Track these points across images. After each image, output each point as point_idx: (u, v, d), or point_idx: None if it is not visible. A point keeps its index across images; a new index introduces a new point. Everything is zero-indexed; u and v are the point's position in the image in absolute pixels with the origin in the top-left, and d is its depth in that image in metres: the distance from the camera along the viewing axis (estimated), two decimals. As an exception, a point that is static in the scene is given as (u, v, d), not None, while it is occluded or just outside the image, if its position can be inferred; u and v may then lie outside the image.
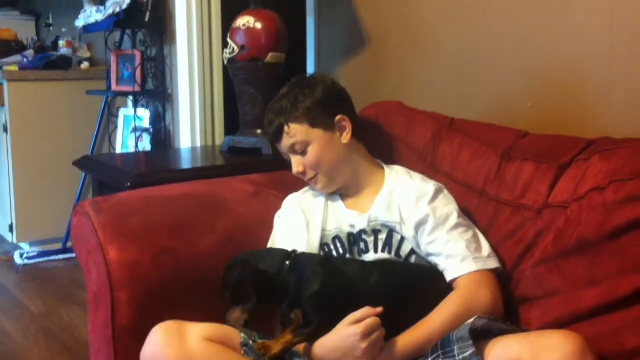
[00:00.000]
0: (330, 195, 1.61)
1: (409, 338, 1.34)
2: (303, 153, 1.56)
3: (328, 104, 1.57)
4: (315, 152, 1.55)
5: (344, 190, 1.60)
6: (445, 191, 1.54)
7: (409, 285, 1.42)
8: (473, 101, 2.06)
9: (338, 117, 1.57)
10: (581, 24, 1.75)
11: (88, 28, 3.30)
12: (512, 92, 1.95)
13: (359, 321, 1.29)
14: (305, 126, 1.54)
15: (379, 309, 1.30)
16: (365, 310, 1.30)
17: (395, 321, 1.33)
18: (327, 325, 1.33)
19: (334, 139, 1.56)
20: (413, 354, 1.33)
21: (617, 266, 1.26)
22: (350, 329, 1.29)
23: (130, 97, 3.42)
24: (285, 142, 1.56)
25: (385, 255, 1.51)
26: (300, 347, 1.37)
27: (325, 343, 1.33)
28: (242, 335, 1.37)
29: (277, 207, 1.67)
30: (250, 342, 1.35)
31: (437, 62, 2.18)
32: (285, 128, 1.54)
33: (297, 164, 1.57)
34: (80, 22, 3.33)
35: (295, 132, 1.54)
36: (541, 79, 1.87)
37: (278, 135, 1.56)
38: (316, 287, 1.36)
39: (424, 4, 2.20)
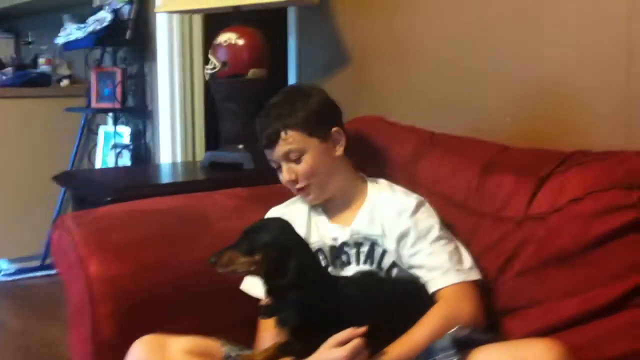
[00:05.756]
0: (314, 208, 1.61)
1: (394, 353, 1.32)
2: (297, 161, 1.52)
3: (324, 115, 1.55)
4: (311, 162, 1.51)
5: (328, 203, 1.59)
6: (427, 204, 1.54)
7: (392, 299, 1.42)
8: (453, 115, 2.08)
9: (334, 129, 1.55)
10: (556, 38, 1.79)
11: (68, 45, 3.30)
12: (492, 107, 1.97)
13: (342, 343, 1.26)
14: (303, 134, 1.51)
15: (363, 329, 1.26)
16: (349, 332, 1.27)
17: (378, 336, 1.31)
18: (314, 346, 1.30)
19: (328, 150, 1.54)
20: (398, 368, 1.31)
21: (596, 276, 1.28)
22: (336, 352, 1.26)
23: (111, 114, 3.42)
24: (280, 149, 1.52)
25: (367, 267, 1.51)
26: (285, 362, 1.36)
27: None
28: (224, 348, 1.37)
29: (259, 220, 1.66)
30: (232, 355, 1.34)
31: (417, 77, 2.20)
32: (282, 134, 1.50)
33: (289, 172, 1.53)
34: (60, 40, 3.32)
35: (292, 139, 1.50)
36: (519, 93, 1.90)
37: (273, 141, 1.51)
38: (299, 320, 1.32)
39: (404, 21, 2.22)
